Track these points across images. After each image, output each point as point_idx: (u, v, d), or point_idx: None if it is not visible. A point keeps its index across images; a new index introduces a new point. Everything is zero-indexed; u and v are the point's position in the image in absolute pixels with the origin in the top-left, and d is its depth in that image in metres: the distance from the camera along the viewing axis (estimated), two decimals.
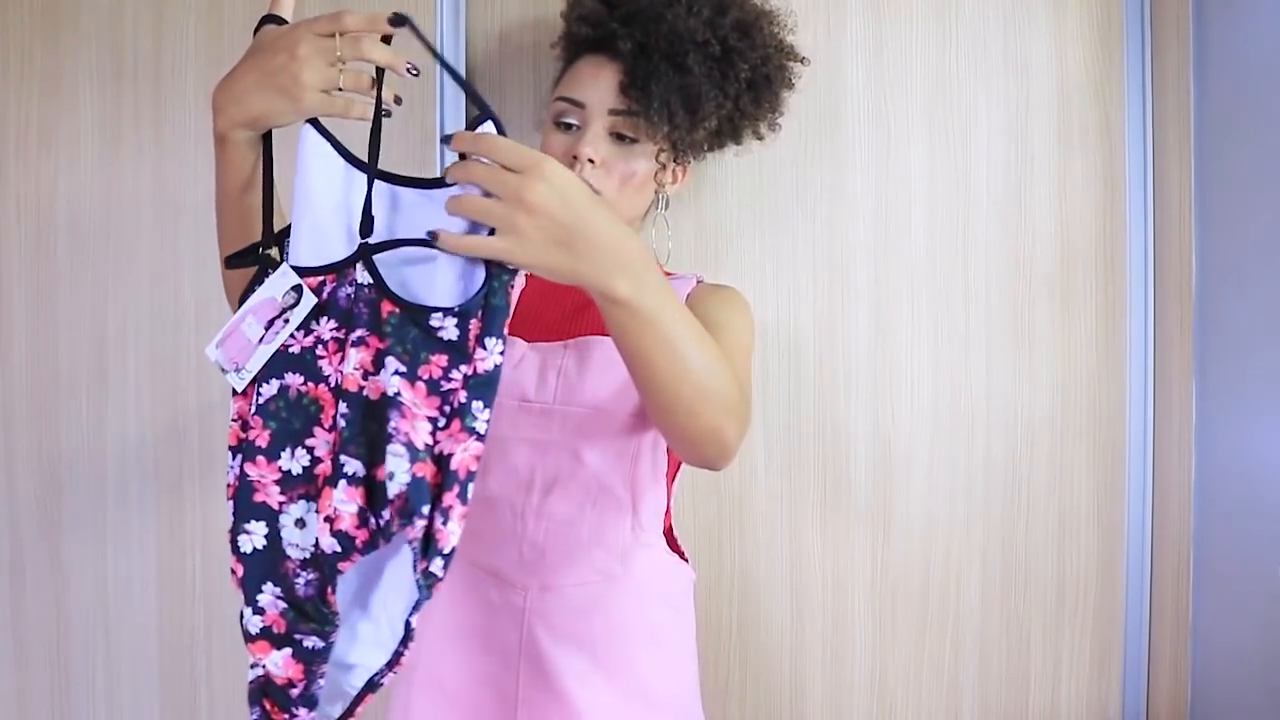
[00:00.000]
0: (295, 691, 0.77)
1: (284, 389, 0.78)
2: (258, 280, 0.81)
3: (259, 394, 0.79)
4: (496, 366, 0.75)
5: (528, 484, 1.04)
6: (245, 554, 0.78)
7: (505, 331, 0.76)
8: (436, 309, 0.74)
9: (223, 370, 0.80)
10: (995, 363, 1.47)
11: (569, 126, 1.08)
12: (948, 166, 1.47)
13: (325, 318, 0.79)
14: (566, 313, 1.09)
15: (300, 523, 0.77)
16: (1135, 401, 1.49)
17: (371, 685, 0.79)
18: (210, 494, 1.38)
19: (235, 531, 0.79)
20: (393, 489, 0.71)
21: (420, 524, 0.72)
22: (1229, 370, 1.39)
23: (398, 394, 0.73)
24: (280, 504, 0.78)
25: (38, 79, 1.36)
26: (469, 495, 0.73)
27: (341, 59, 0.76)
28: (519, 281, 1.08)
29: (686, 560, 1.15)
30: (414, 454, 0.72)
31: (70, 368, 1.37)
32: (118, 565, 1.38)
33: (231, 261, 0.85)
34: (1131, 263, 1.49)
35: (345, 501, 0.73)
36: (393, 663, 0.78)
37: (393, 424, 0.72)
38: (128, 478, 1.37)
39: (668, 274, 1.15)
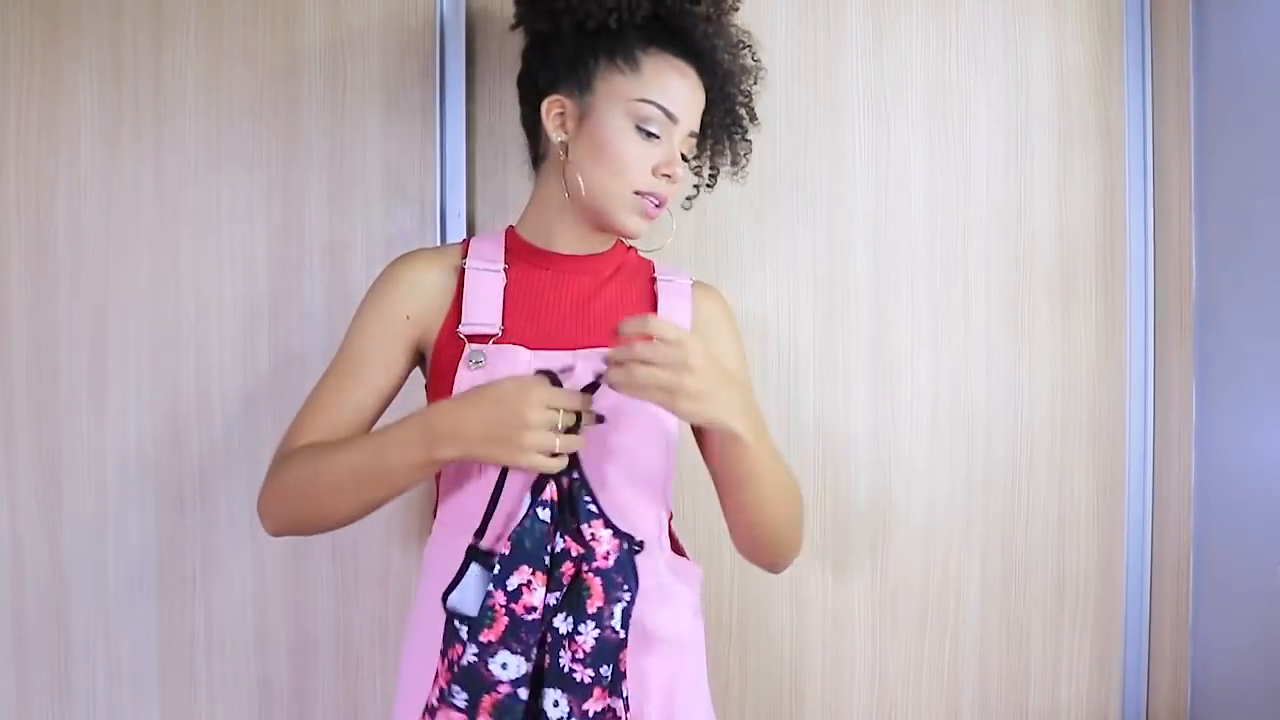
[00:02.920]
0: None
1: None
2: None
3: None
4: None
5: None
6: None
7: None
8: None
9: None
10: (995, 362, 1.47)
11: (650, 135, 1.02)
12: (948, 166, 1.47)
13: None
14: (565, 313, 1.07)
15: None
16: (1135, 401, 1.49)
17: None
18: (210, 493, 1.38)
19: None
20: None
21: None
22: (1229, 369, 1.39)
23: None
24: None
25: (38, 78, 1.36)
26: None
27: (559, 428, 0.89)
28: (499, 280, 1.06)
29: (686, 556, 1.14)
30: None
31: (70, 368, 1.37)
32: (118, 565, 1.38)
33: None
34: (1131, 262, 1.49)
35: None
36: None
37: None
38: (128, 478, 1.37)
39: (661, 268, 1.15)
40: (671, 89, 1.02)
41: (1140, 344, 1.49)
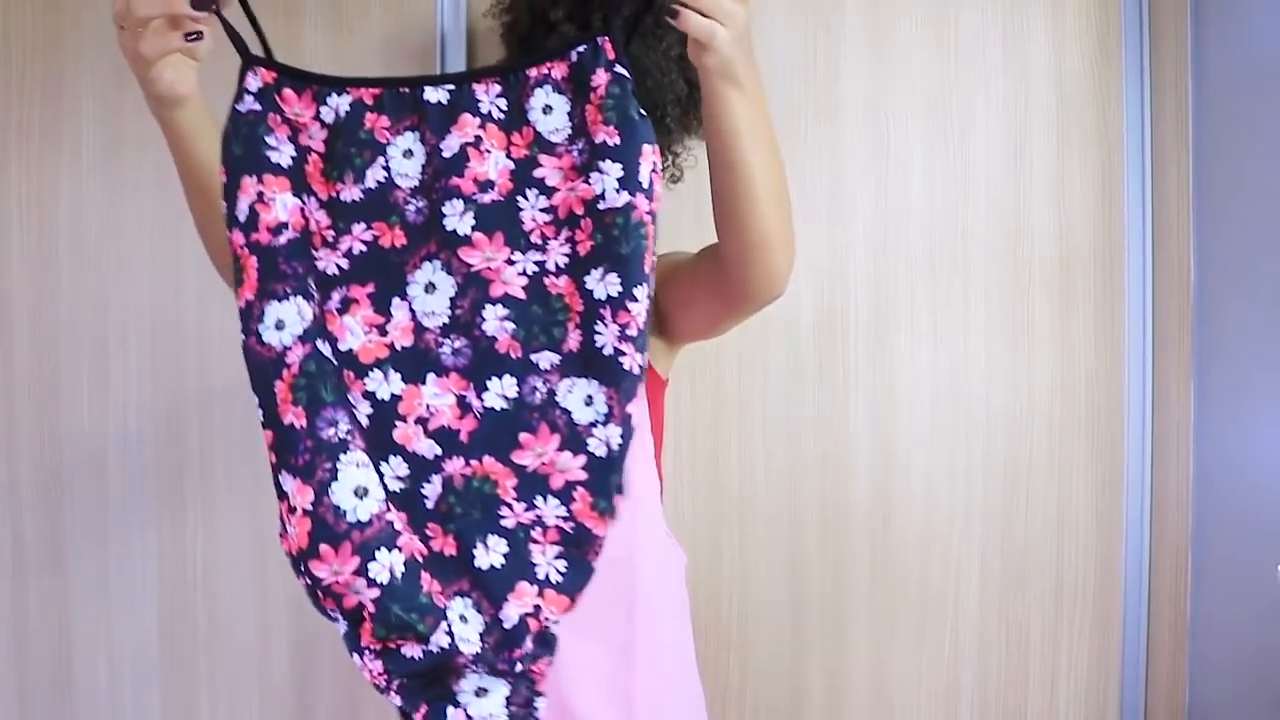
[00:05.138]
0: None
1: None
2: None
3: None
4: None
5: None
6: None
7: None
8: None
9: None
10: (994, 362, 1.48)
11: None
12: (947, 166, 1.47)
13: None
14: None
15: None
16: (1134, 400, 1.49)
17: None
18: (210, 493, 1.38)
19: None
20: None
21: None
22: (1227, 368, 1.40)
23: None
24: None
25: (39, 79, 1.36)
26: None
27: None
28: None
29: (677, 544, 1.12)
30: None
31: (71, 368, 1.37)
32: (118, 565, 1.38)
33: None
34: (1130, 262, 1.49)
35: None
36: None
37: None
38: (128, 478, 1.37)
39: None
40: None
41: (1139, 343, 1.49)
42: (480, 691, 0.68)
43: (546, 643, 0.70)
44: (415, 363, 0.68)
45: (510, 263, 0.68)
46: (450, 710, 0.68)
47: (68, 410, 1.37)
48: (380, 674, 0.68)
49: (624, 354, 0.67)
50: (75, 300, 1.37)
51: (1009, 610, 1.49)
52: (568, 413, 0.68)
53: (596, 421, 0.67)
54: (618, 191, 0.66)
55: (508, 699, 0.69)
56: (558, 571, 0.69)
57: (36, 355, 1.37)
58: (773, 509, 1.44)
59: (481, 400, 0.68)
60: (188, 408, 1.38)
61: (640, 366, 0.69)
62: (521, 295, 0.68)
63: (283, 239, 0.67)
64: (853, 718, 1.47)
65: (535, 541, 0.68)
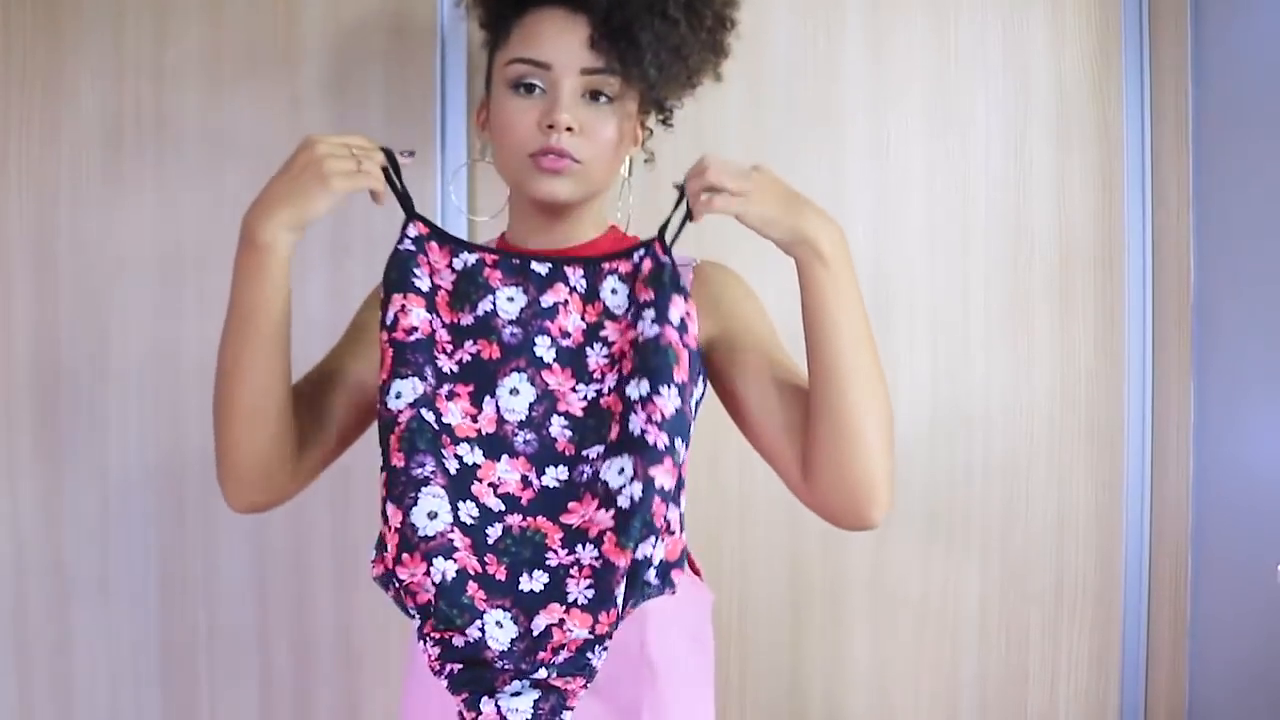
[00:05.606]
0: None
1: None
2: None
3: None
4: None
5: None
6: None
7: None
8: None
9: None
10: (994, 362, 1.48)
11: (531, 89, 0.95)
12: (946, 166, 1.47)
13: None
14: None
15: None
16: (1134, 400, 1.50)
17: None
18: (211, 493, 1.38)
19: None
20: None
21: None
22: (1227, 368, 1.40)
23: None
24: None
25: (39, 78, 1.36)
26: None
27: (351, 148, 0.87)
28: None
29: (702, 578, 1.06)
30: None
31: (71, 368, 1.37)
32: (118, 565, 1.38)
33: None
34: (1130, 262, 1.49)
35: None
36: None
37: None
38: (129, 477, 1.37)
39: (670, 254, 1.01)
40: (535, 37, 0.96)
41: (1139, 344, 1.50)
42: (515, 694, 0.85)
43: (581, 666, 0.85)
44: (494, 445, 0.91)
45: (574, 390, 0.92)
46: (484, 699, 0.84)
47: (69, 410, 1.37)
48: (435, 659, 0.85)
49: (648, 433, 0.86)
50: (76, 299, 1.37)
51: (1009, 610, 1.49)
52: (605, 483, 0.87)
53: (624, 484, 0.86)
54: (652, 324, 0.89)
55: (536, 702, 0.85)
56: (585, 596, 0.85)
57: (37, 355, 1.37)
58: (773, 509, 1.44)
59: (540, 480, 0.90)
60: (188, 408, 1.38)
61: (665, 445, 0.85)
62: (580, 414, 0.92)
63: (412, 338, 0.89)
64: (853, 718, 1.47)
65: (571, 577, 0.86)
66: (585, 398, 0.92)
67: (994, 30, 1.47)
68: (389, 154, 0.91)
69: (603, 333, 0.93)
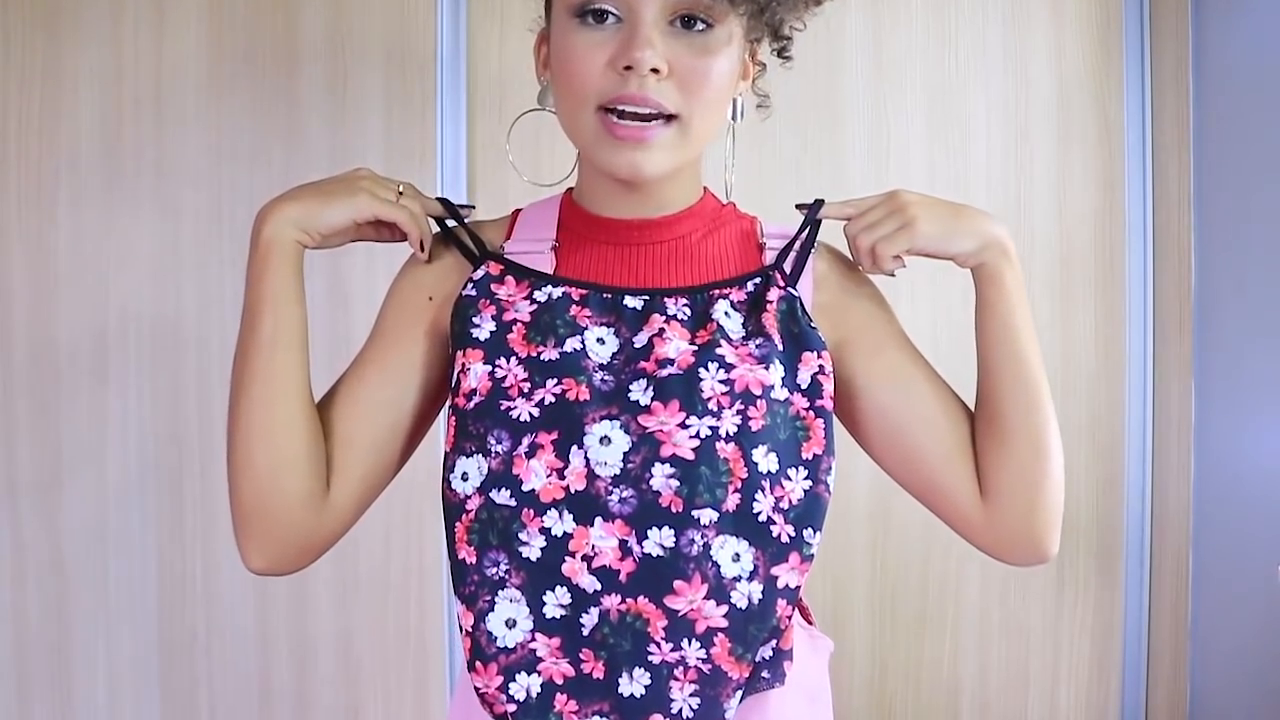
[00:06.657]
0: None
1: None
2: None
3: None
4: None
5: None
6: None
7: None
8: None
9: None
10: None
11: (601, 17, 0.73)
12: (947, 166, 1.47)
13: None
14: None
15: None
16: (1134, 401, 1.49)
17: None
18: (210, 494, 1.38)
19: None
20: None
21: None
22: (1227, 368, 1.40)
23: None
24: None
25: (39, 77, 1.36)
26: None
27: (399, 185, 0.79)
28: (545, 264, 0.85)
29: (812, 622, 0.91)
30: None
31: (71, 367, 1.37)
32: (118, 565, 1.38)
33: None
34: (1130, 261, 1.49)
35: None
36: None
37: None
38: (128, 478, 1.37)
39: (770, 228, 0.88)
40: None
41: (1139, 343, 1.49)
42: None
43: None
44: (586, 506, 0.75)
45: (683, 426, 0.75)
46: None
47: (68, 410, 1.37)
48: None
49: (775, 523, 0.75)
50: (75, 299, 1.37)
51: (1009, 610, 1.49)
52: (717, 565, 0.74)
53: (741, 576, 0.74)
54: (782, 386, 0.76)
55: None
56: (690, 707, 0.74)
57: (36, 355, 1.37)
58: None
59: (641, 547, 0.75)
60: (188, 408, 1.38)
61: (790, 537, 0.74)
62: (690, 456, 0.74)
63: (472, 404, 0.77)
64: (853, 718, 1.47)
65: (675, 679, 0.75)
66: (697, 435, 0.74)
67: (995, 29, 1.47)
68: (446, 203, 0.83)
69: (718, 351, 0.76)
